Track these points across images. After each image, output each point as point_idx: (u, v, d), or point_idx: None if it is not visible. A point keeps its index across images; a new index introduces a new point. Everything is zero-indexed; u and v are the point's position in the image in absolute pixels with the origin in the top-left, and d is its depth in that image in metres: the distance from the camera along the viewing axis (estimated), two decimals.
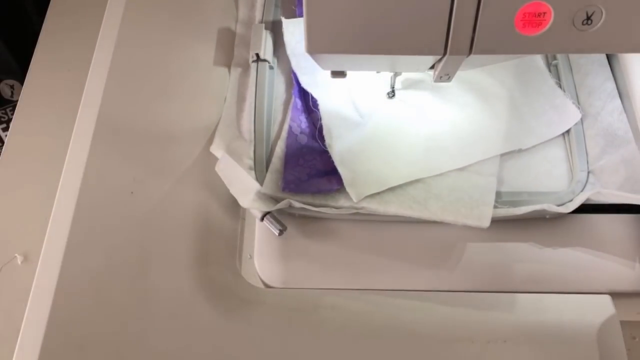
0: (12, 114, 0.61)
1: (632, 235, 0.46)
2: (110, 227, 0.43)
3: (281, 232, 0.45)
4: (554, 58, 0.52)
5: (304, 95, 0.51)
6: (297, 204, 0.45)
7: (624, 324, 0.42)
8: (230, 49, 0.57)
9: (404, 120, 0.50)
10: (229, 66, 0.55)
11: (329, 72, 0.51)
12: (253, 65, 0.53)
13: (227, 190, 0.48)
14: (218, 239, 0.47)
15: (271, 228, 0.45)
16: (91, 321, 0.40)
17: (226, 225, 0.50)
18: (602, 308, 0.43)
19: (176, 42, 0.55)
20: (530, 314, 0.43)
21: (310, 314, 0.44)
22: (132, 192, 0.45)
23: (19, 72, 0.80)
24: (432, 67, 0.37)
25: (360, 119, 0.50)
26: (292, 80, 0.52)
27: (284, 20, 0.54)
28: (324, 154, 0.47)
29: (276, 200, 0.46)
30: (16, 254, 0.47)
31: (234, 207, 0.50)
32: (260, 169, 0.48)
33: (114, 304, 0.41)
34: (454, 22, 0.31)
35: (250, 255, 0.50)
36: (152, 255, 0.44)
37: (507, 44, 0.31)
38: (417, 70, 0.43)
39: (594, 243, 0.45)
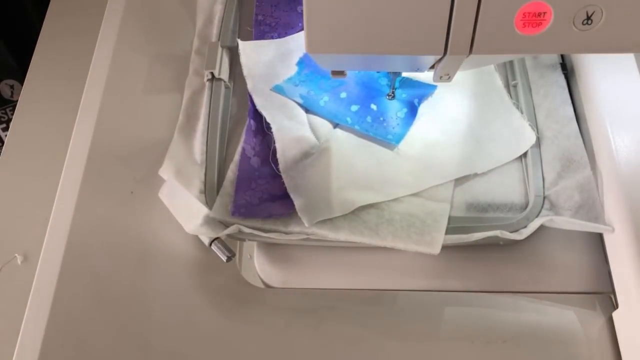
0: (12, 114, 0.61)
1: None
2: (110, 227, 0.43)
3: (229, 259, 0.44)
4: (514, 78, 0.51)
5: (259, 116, 0.50)
6: (246, 230, 0.44)
7: None
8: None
9: (358, 144, 0.49)
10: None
11: (284, 96, 0.51)
12: (207, 84, 0.52)
13: None
14: None
15: (219, 254, 0.44)
16: (91, 321, 0.40)
17: None
18: (601, 308, 0.43)
19: (177, 38, 0.55)
20: (530, 314, 0.43)
21: (310, 314, 0.44)
22: (132, 192, 0.45)
23: (19, 72, 0.80)
24: (432, 67, 0.37)
25: (315, 142, 0.48)
26: (248, 101, 0.51)
27: (240, 42, 0.53)
28: (277, 178, 0.46)
29: (225, 225, 0.45)
30: (16, 254, 0.47)
31: None
32: (210, 193, 0.46)
33: (114, 304, 0.41)
34: (454, 22, 0.31)
35: (250, 256, 0.50)
36: (151, 254, 0.44)
37: (507, 44, 0.31)
38: (417, 70, 0.42)
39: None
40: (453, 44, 0.32)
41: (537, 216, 0.45)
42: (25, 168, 0.52)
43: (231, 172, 0.47)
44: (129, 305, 0.41)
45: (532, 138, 0.48)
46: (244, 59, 0.52)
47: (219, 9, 0.56)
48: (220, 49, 0.53)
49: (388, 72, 0.52)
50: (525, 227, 0.44)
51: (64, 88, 0.55)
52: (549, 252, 0.45)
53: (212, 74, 0.51)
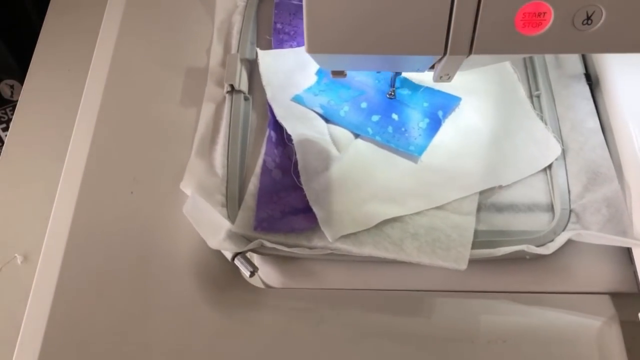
0: (12, 114, 0.61)
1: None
2: (110, 227, 0.43)
3: (252, 274, 0.43)
4: (537, 89, 0.51)
5: (279, 127, 0.49)
6: (269, 244, 0.43)
7: (624, 324, 0.42)
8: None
9: (379, 155, 0.48)
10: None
11: (304, 105, 0.50)
12: (227, 96, 0.51)
13: None
14: None
15: (242, 269, 0.44)
16: (91, 321, 0.40)
17: None
18: (602, 308, 0.43)
19: (177, 40, 0.55)
20: (530, 314, 0.43)
21: (310, 314, 0.44)
22: (132, 192, 0.45)
23: (19, 72, 0.80)
24: (432, 67, 0.37)
25: (337, 153, 0.48)
26: (268, 112, 0.51)
27: (259, 51, 0.53)
28: (299, 191, 0.45)
29: (248, 239, 0.44)
30: (16, 254, 0.47)
31: None
32: (232, 207, 0.46)
33: (114, 304, 0.41)
34: (454, 22, 0.31)
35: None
36: (152, 255, 0.44)
37: (507, 44, 0.31)
38: (417, 70, 0.42)
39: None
40: (453, 44, 0.32)
41: (563, 230, 0.44)
42: (25, 168, 0.52)
43: (252, 185, 0.47)
44: (128, 305, 0.41)
45: (557, 150, 0.47)
46: (263, 68, 0.52)
47: (237, 20, 0.56)
48: (239, 61, 0.52)
49: (411, 85, 0.51)
50: (552, 240, 0.43)
51: (64, 88, 0.55)
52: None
53: (231, 86, 0.51)
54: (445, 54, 0.32)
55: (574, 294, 0.44)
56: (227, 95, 0.51)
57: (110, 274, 0.42)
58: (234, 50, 0.54)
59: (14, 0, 0.76)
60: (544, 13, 0.30)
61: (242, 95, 0.52)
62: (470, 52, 0.32)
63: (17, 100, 0.57)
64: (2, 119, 0.82)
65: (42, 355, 0.37)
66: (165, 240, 0.45)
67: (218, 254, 0.46)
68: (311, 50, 0.33)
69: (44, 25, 0.60)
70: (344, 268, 0.46)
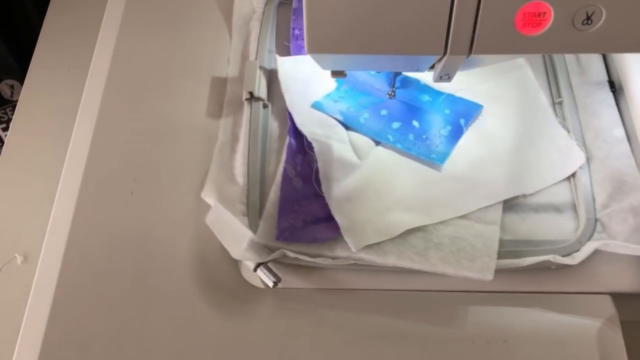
0: (12, 114, 0.61)
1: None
2: (110, 227, 0.43)
3: (275, 284, 0.43)
4: (559, 96, 0.50)
5: (299, 135, 0.49)
6: (291, 254, 0.43)
7: (624, 324, 0.42)
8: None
9: (401, 163, 0.48)
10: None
11: (324, 112, 0.50)
12: (246, 104, 0.51)
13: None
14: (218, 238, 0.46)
15: (265, 279, 0.43)
16: (91, 321, 0.40)
17: None
18: (602, 308, 0.43)
19: (177, 40, 0.55)
20: (530, 314, 0.43)
21: (310, 314, 0.44)
22: (132, 192, 0.45)
23: (19, 72, 0.80)
24: (432, 67, 0.37)
25: (357, 161, 0.47)
26: (287, 119, 0.50)
27: (278, 57, 0.52)
28: (321, 199, 0.44)
29: (270, 249, 0.44)
30: (16, 254, 0.47)
31: None
32: (253, 216, 0.46)
33: (114, 304, 0.41)
34: (454, 22, 0.31)
35: None
36: (152, 255, 0.44)
37: (507, 44, 0.31)
38: (417, 70, 0.42)
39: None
40: (453, 44, 0.32)
41: (589, 239, 0.44)
42: (25, 168, 0.52)
43: (273, 193, 0.46)
44: (129, 305, 0.41)
45: (581, 158, 0.47)
46: (282, 74, 0.52)
47: (255, 26, 0.56)
48: (258, 68, 0.52)
49: (432, 92, 0.51)
50: (578, 250, 0.43)
51: (64, 88, 0.55)
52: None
53: (250, 93, 0.51)
54: (445, 54, 0.32)
55: (574, 294, 0.44)
56: (246, 102, 0.51)
57: (110, 274, 0.42)
58: (252, 57, 0.54)
59: (14, 0, 0.76)
60: (544, 13, 0.30)
61: (261, 103, 0.51)
62: (470, 52, 0.32)
63: (17, 100, 0.57)
64: (2, 119, 0.82)
65: (42, 355, 0.37)
66: (165, 240, 0.45)
67: (218, 253, 0.46)
68: (311, 51, 0.33)
69: (44, 25, 0.60)
70: (344, 269, 0.46)
